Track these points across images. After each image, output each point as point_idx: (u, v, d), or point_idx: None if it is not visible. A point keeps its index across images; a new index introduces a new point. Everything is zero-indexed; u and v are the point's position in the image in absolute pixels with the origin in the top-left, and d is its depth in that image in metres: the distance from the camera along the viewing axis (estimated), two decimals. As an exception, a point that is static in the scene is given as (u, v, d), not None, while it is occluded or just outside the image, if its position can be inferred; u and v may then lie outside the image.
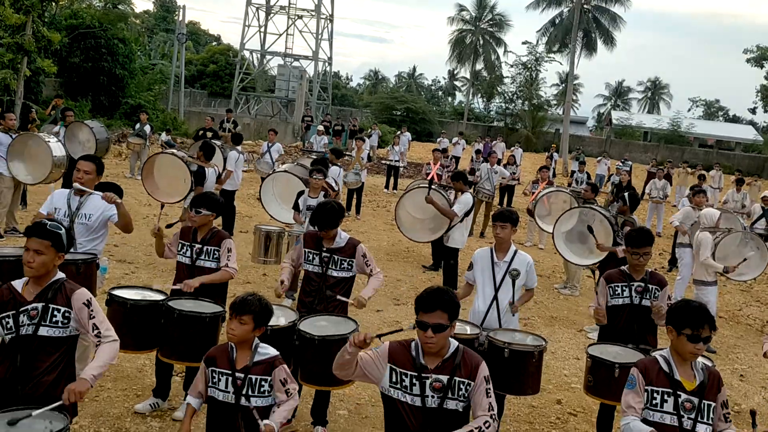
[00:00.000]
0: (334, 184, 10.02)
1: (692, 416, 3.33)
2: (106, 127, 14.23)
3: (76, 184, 5.35)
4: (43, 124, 14.86)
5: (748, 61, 42.36)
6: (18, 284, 3.59)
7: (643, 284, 5.13)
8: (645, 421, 3.38)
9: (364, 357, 3.38)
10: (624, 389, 3.51)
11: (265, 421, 3.38)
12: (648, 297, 5.09)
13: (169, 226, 6.31)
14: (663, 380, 3.40)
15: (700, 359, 3.52)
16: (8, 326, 3.48)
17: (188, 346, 4.61)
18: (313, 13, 42.15)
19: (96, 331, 3.57)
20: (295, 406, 3.62)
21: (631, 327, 5.08)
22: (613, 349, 4.82)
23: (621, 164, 23.39)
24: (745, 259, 8.33)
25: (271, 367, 3.56)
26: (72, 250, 5.22)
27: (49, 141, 9.24)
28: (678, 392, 3.36)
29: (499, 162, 15.72)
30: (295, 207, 8.31)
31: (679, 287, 9.92)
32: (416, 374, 3.29)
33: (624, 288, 5.14)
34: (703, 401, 3.35)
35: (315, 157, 13.88)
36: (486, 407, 3.27)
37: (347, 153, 15.67)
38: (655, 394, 3.39)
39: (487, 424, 3.23)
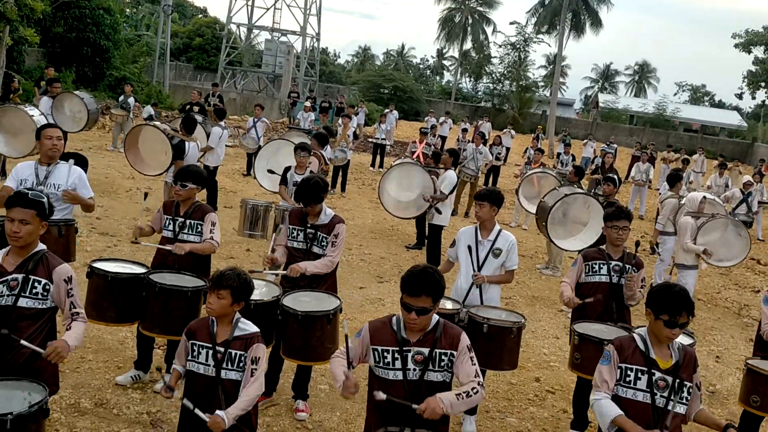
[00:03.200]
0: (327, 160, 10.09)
1: (665, 394, 3.39)
2: (94, 99, 14.10)
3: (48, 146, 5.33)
4: (26, 94, 14.65)
5: (736, 46, 42.49)
6: (-3, 254, 3.57)
7: (620, 263, 5.20)
8: (616, 397, 3.44)
9: (351, 347, 3.42)
10: (598, 364, 3.56)
11: (217, 413, 3.37)
12: (625, 276, 5.17)
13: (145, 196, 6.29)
14: (638, 358, 3.45)
15: (682, 337, 3.56)
16: None
17: (169, 319, 4.61)
18: (302, -12, 41.67)
19: (73, 310, 3.60)
20: (256, 396, 3.51)
21: (608, 305, 5.15)
22: (597, 327, 4.88)
23: (606, 147, 23.50)
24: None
25: (250, 343, 3.56)
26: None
27: (32, 114, 9.10)
28: (652, 370, 3.41)
29: (485, 142, 15.73)
30: (283, 182, 8.29)
31: (658, 270, 10.06)
32: (398, 349, 3.34)
33: (602, 265, 5.21)
34: (677, 380, 3.40)
35: (302, 131, 13.89)
36: (472, 374, 3.33)
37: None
38: (629, 372, 3.44)
39: (474, 390, 3.29)
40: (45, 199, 3.61)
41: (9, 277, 3.49)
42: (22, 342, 3.42)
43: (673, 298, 3.36)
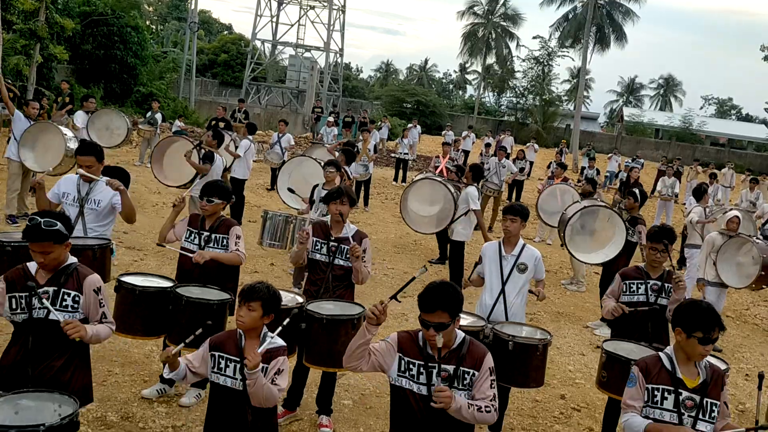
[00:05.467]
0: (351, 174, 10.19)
1: (693, 414, 3.33)
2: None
3: (81, 171, 5.40)
4: (50, 110, 14.97)
5: (765, 59, 41.88)
6: (32, 266, 3.64)
7: (659, 283, 5.11)
8: (645, 418, 3.38)
9: (376, 347, 3.41)
10: (625, 387, 3.51)
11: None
12: (664, 296, 5.08)
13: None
14: (664, 378, 3.39)
15: (717, 362, 3.50)
16: (21, 307, 3.52)
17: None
18: (325, 4, 42.08)
19: (105, 320, 3.67)
20: (277, 399, 3.51)
21: (645, 325, 5.06)
22: (628, 346, 4.80)
23: (630, 161, 23.31)
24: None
25: (275, 355, 3.55)
26: (83, 235, 5.30)
27: (66, 134, 9.36)
28: (679, 390, 3.36)
29: (507, 156, 15.68)
30: (311, 200, 8.36)
31: (687, 285, 9.91)
32: (423, 363, 3.33)
33: (640, 285, 5.13)
34: (705, 399, 3.34)
35: (326, 146, 14.02)
36: (489, 396, 3.29)
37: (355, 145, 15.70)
38: (655, 392, 3.38)
39: (487, 408, 3.25)
40: (58, 225, 3.61)
41: (41, 290, 3.55)
42: (44, 301, 3.49)
43: (703, 314, 3.32)
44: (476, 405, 3.24)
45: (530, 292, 5.33)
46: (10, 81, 18.58)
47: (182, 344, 3.54)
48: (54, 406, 3.19)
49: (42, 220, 3.59)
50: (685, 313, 3.39)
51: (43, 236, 3.54)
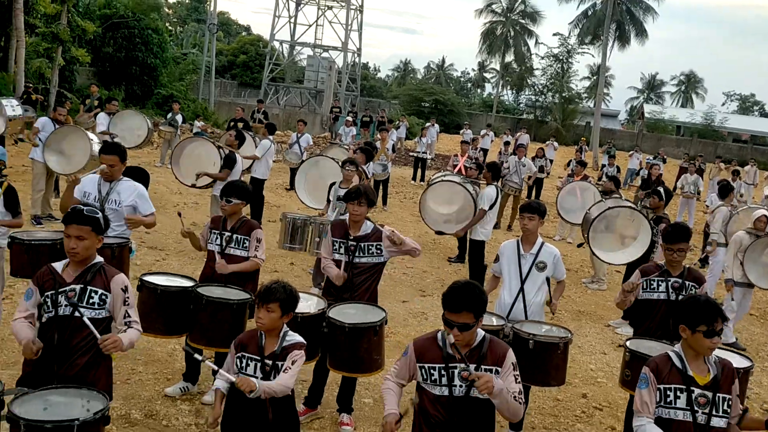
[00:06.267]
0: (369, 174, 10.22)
1: (706, 411, 3.29)
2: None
3: (103, 167, 5.49)
4: (73, 113, 15.15)
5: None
6: (58, 266, 3.69)
7: (680, 280, 5.04)
8: (658, 419, 3.35)
9: (397, 372, 3.49)
10: (636, 388, 3.47)
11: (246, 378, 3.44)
12: (684, 294, 5.02)
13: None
14: (675, 377, 3.36)
15: (740, 360, 3.46)
16: (47, 306, 3.58)
17: (217, 331, 4.69)
18: (343, 4, 42.18)
19: (128, 318, 3.68)
20: (287, 386, 3.54)
21: (666, 323, 5.01)
22: (651, 344, 4.76)
23: (651, 159, 23.09)
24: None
25: (291, 349, 3.61)
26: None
27: (92, 140, 9.52)
28: (691, 388, 3.33)
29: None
30: (328, 199, 8.40)
31: (710, 283, 9.80)
32: (444, 365, 3.33)
33: (660, 282, 5.08)
34: (718, 395, 3.32)
35: (345, 147, 14.05)
36: (515, 390, 3.28)
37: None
38: (667, 392, 3.35)
39: (518, 398, 3.26)
40: (100, 215, 3.72)
41: (68, 288, 3.60)
42: (85, 319, 3.53)
43: (703, 308, 3.30)
44: (511, 392, 3.24)
45: (547, 303, 5.30)
46: (31, 84, 18.89)
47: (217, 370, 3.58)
48: (82, 401, 3.25)
49: (85, 208, 3.71)
50: (685, 309, 3.37)
51: (83, 220, 3.61)
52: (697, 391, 3.32)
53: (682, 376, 3.35)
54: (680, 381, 3.35)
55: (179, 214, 6.13)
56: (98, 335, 3.50)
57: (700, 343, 3.31)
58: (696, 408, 3.30)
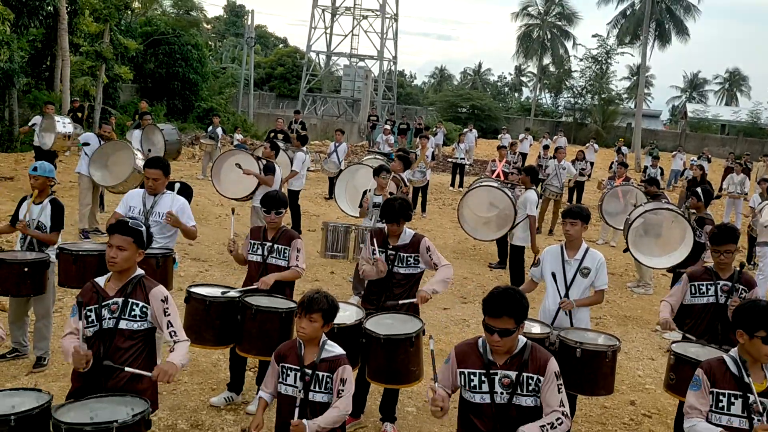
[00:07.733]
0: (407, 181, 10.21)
1: (763, 419, 3.19)
2: (177, 130, 14.73)
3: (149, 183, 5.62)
4: (119, 128, 15.51)
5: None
6: (101, 281, 3.78)
7: (730, 283, 4.88)
8: (712, 424, 3.26)
9: (443, 376, 3.43)
10: (688, 390, 3.38)
11: (302, 420, 3.43)
12: (733, 297, 4.86)
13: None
14: (730, 382, 3.26)
15: None
16: (91, 319, 3.66)
17: (266, 340, 4.70)
18: (378, 13, 42.41)
19: (170, 329, 3.72)
20: (343, 415, 3.55)
21: (714, 327, 4.86)
22: (696, 348, 4.64)
23: (696, 159, 22.57)
24: None
25: (336, 365, 3.62)
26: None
27: (136, 154, 9.77)
28: (747, 394, 3.22)
29: (564, 156, 15.37)
30: (360, 205, 8.45)
31: (762, 286, 9.50)
32: (485, 371, 3.29)
33: (709, 286, 4.92)
34: None
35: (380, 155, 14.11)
36: (557, 403, 3.22)
37: (411, 151, 15.71)
38: (720, 397, 3.26)
39: (559, 421, 3.18)
40: (143, 229, 3.80)
41: (110, 301, 3.68)
42: (126, 369, 3.58)
43: (763, 313, 3.20)
44: (548, 423, 3.18)
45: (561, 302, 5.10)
46: (78, 99, 19.43)
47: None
48: (127, 409, 3.31)
49: (131, 220, 3.82)
50: (745, 314, 3.27)
51: (126, 231, 3.70)
52: (752, 398, 3.21)
53: (737, 382, 3.25)
54: (735, 387, 3.25)
55: (233, 211, 6.24)
56: (148, 374, 3.54)
57: (758, 349, 3.21)
58: (753, 415, 3.19)
